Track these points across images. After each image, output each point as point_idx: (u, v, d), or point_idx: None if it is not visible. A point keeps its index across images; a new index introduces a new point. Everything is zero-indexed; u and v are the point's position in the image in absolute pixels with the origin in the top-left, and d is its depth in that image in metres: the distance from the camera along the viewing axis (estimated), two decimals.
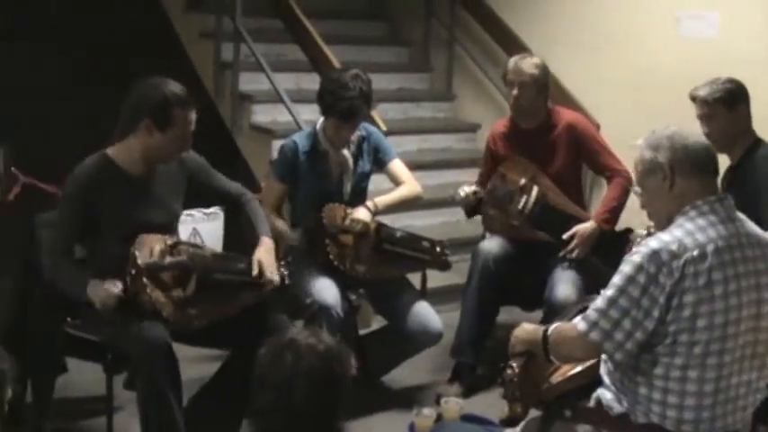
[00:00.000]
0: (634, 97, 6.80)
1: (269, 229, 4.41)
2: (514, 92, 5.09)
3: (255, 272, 4.17)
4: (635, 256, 3.07)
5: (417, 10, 8.58)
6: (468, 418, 4.34)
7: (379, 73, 7.38)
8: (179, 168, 4.23)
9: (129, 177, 4.09)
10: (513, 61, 5.16)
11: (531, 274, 5.15)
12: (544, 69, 5.12)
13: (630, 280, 3.05)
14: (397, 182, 5.11)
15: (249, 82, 7.30)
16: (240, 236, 4.49)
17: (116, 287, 3.85)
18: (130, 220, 4.00)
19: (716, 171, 3.24)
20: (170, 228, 4.23)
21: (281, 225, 4.89)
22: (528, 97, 5.08)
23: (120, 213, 4.00)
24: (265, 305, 4.24)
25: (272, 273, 4.20)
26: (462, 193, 5.15)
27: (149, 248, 3.95)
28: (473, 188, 5.17)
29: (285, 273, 4.32)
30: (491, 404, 4.78)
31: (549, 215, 5.08)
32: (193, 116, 4.09)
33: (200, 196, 4.52)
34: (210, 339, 4.26)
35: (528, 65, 5.07)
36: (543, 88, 5.11)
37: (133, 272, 3.85)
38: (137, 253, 3.89)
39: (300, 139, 4.95)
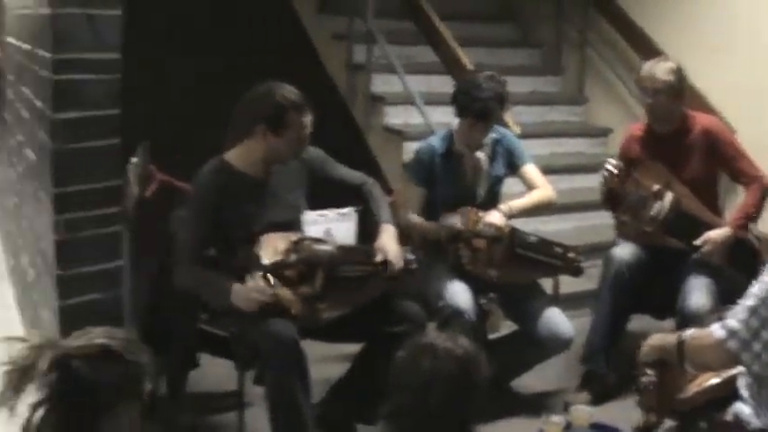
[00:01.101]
0: None
1: (390, 214, 4.45)
2: (649, 99, 5.02)
3: (379, 258, 4.20)
4: None
5: (549, 12, 8.53)
6: (597, 427, 4.28)
7: (511, 76, 7.34)
8: (299, 164, 4.29)
9: (249, 180, 4.17)
10: (647, 67, 5.06)
11: (663, 282, 5.06)
12: (679, 74, 5.01)
13: None
14: (530, 186, 5.09)
15: (381, 84, 7.34)
16: (373, 235, 4.51)
17: (263, 295, 3.90)
18: (254, 221, 4.07)
19: None
20: (294, 224, 4.27)
21: (419, 221, 4.91)
22: (663, 104, 4.99)
23: (243, 216, 4.07)
24: (393, 294, 4.26)
25: (397, 258, 4.22)
26: (610, 169, 5.04)
27: (273, 247, 4.00)
28: (617, 165, 5.06)
29: (411, 258, 4.33)
30: (621, 412, 4.69)
31: (682, 222, 4.99)
32: (309, 119, 4.15)
33: (322, 188, 4.55)
34: (340, 333, 4.29)
35: (663, 71, 4.97)
36: (679, 94, 5.01)
37: (259, 273, 3.91)
38: (261, 253, 3.95)
39: (436, 142, 4.98)
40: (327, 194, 4.51)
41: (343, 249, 4.27)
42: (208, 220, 4.10)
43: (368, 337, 4.30)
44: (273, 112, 4.07)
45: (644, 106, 5.17)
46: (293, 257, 4.04)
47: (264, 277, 3.95)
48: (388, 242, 4.29)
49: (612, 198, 5.14)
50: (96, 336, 2.26)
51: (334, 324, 4.12)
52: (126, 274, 4.44)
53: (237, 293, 3.97)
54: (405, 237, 4.54)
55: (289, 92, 4.13)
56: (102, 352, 2.23)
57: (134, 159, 4.82)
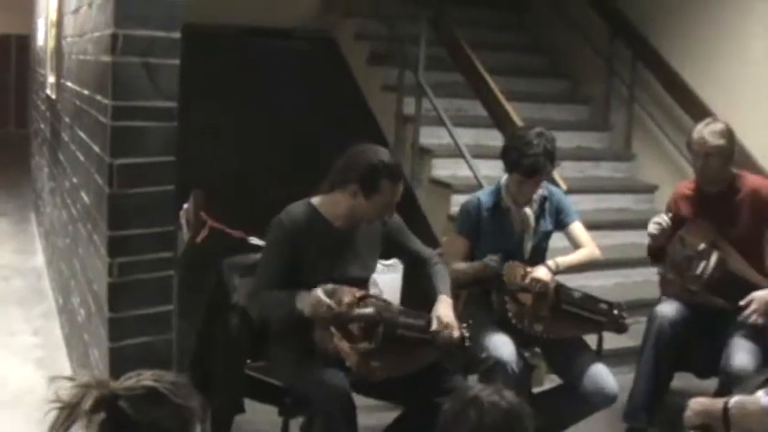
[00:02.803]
0: None
1: (450, 291, 4.46)
2: (700, 161, 5.03)
3: (435, 327, 4.22)
4: None
5: (599, 68, 8.58)
6: None
7: (559, 131, 7.38)
8: (380, 225, 4.34)
9: (333, 229, 4.22)
10: (697, 130, 5.05)
11: (707, 341, 5.05)
12: (730, 137, 5.02)
13: None
14: (576, 244, 5.10)
15: (429, 136, 7.40)
16: (418, 289, 4.55)
17: (325, 295, 3.96)
18: (330, 271, 4.10)
19: None
20: (364, 283, 4.33)
21: (463, 264, 4.95)
22: (713, 167, 5.01)
23: (321, 262, 4.10)
24: (443, 365, 4.30)
25: (453, 328, 4.24)
26: (659, 222, 5.10)
27: (339, 299, 4.05)
28: (667, 221, 5.11)
29: (466, 335, 4.37)
30: None
31: (728, 281, 4.98)
32: (400, 188, 4.19)
33: (394, 254, 4.61)
34: (387, 393, 4.34)
35: (713, 133, 4.97)
36: (729, 156, 5.02)
37: (323, 320, 3.96)
38: (328, 301, 3.99)
39: (484, 196, 5.01)
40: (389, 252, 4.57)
41: (404, 313, 4.30)
42: (288, 256, 4.14)
43: (410, 403, 4.33)
44: (369, 174, 4.10)
45: (693, 168, 5.18)
46: (356, 312, 4.09)
47: (326, 327, 4.00)
48: (445, 312, 4.30)
49: (659, 253, 5.16)
50: (145, 378, 2.29)
51: (383, 383, 4.15)
52: (175, 318, 4.50)
53: (303, 298, 4.00)
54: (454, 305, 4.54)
55: (387, 158, 4.18)
56: (150, 394, 2.26)
57: (186, 205, 4.89)
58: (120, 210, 4.00)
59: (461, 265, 4.95)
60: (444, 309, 4.31)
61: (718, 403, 3.33)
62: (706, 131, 5.00)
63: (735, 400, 3.29)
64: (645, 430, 5.13)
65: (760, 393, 3.16)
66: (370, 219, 4.23)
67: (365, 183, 4.10)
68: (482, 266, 4.88)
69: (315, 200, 4.26)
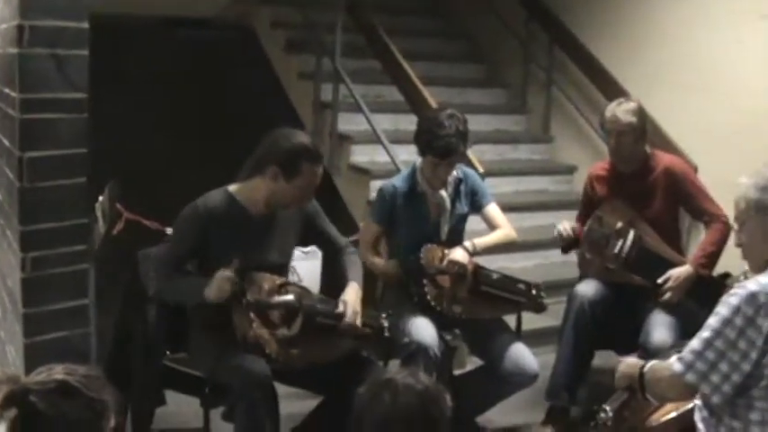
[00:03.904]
0: (733, 141, 6.72)
1: (361, 278, 4.48)
2: (612, 139, 5.10)
3: (340, 309, 4.24)
4: (732, 298, 3.05)
5: (516, 52, 8.62)
6: None
7: (477, 114, 7.43)
8: (298, 212, 4.33)
9: (250, 216, 4.20)
10: (610, 109, 5.12)
11: (626, 318, 5.12)
12: (641, 115, 5.09)
13: (727, 322, 3.03)
14: (492, 226, 5.12)
15: (348, 122, 7.39)
16: (337, 277, 4.55)
17: (232, 284, 3.93)
18: (246, 258, 4.07)
19: None
20: (283, 269, 4.34)
21: (378, 260, 4.97)
22: (626, 144, 5.07)
23: (236, 249, 4.08)
24: (363, 354, 4.31)
25: (356, 313, 4.26)
26: (560, 231, 5.17)
27: (258, 286, 4.04)
28: (571, 225, 5.18)
29: (385, 325, 4.38)
30: None
31: (645, 259, 5.04)
32: (320, 171, 4.20)
33: (308, 240, 4.61)
34: (306, 382, 4.35)
35: (625, 112, 5.04)
36: (641, 134, 5.09)
37: (242, 306, 3.95)
38: (246, 289, 3.97)
39: (399, 182, 5.01)
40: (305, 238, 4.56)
41: (324, 301, 4.31)
42: (197, 238, 4.13)
43: (330, 392, 4.33)
44: (289, 157, 4.10)
45: (607, 146, 5.24)
46: (276, 299, 4.08)
47: (246, 313, 3.98)
48: (351, 297, 4.33)
49: (570, 246, 5.24)
50: (57, 372, 2.28)
51: (303, 372, 4.17)
52: (93, 311, 4.45)
53: (209, 285, 3.99)
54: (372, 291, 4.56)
55: (307, 141, 4.20)
56: (61, 387, 2.24)
57: (101, 198, 4.85)
58: (32, 204, 3.93)
59: (378, 262, 4.97)
60: (351, 295, 4.33)
61: (637, 366, 3.37)
62: (618, 110, 5.06)
63: (650, 364, 3.33)
64: (567, 408, 5.17)
65: (672, 359, 3.20)
66: (291, 202, 4.22)
67: (286, 166, 4.09)
68: (396, 267, 4.91)
69: (232, 187, 4.24)
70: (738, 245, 3.31)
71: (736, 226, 3.30)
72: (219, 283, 3.94)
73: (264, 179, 4.15)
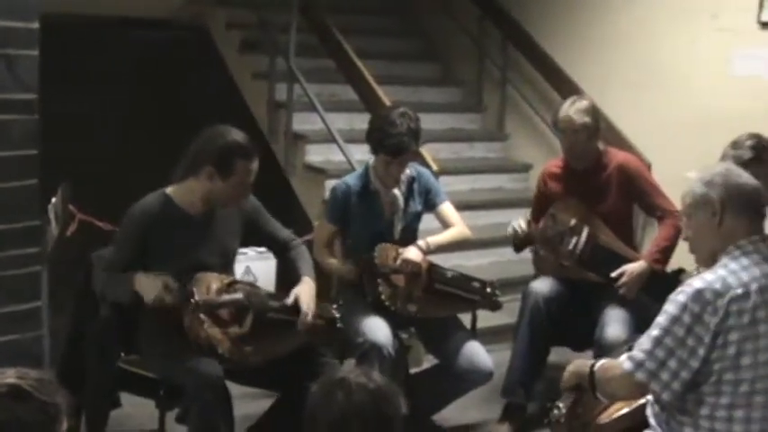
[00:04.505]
0: (686, 137, 6.78)
1: (312, 272, 4.48)
2: (565, 138, 5.12)
3: (290, 301, 4.24)
4: (679, 296, 3.08)
5: (470, 51, 8.63)
6: None
7: (432, 113, 7.45)
8: (237, 210, 4.31)
9: (188, 217, 4.18)
10: (563, 109, 5.13)
11: (581, 315, 5.14)
12: (594, 113, 5.11)
13: (675, 320, 3.05)
14: (446, 224, 5.12)
15: (303, 122, 7.37)
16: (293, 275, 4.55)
17: (167, 289, 3.92)
18: (186, 260, 4.07)
19: (764, 213, 3.24)
20: (226, 268, 4.31)
21: (333, 261, 4.96)
22: (579, 143, 5.09)
23: (175, 252, 4.07)
24: (316, 348, 4.30)
25: (309, 306, 4.25)
26: (513, 229, 5.19)
27: (206, 286, 4.03)
28: (524, 224, 5.20)
29: (337, 316, 4.38)
30: None
31: (599, 256, 5.07)
32: (255, 166, 4.17)
33: (251, 238, 4.59)
34: (261, 380, 4.34)
35: (578, 111, 5.05)
36: (594, 132, 5.11)
37: (191, 307, 3.93)
38: (194, 289, 3.96)
39: (352, 180, 5.00)
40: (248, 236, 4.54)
41: (273, 297, 4.31)
42: (138, 243, 4.11)
43: (284, 389, 4.33)
44: (222, 155, 4.08)
45: (561, 144, 5.26)
46: (225, 297, 4.07)
47: (195, 313, 3.97)
48: (303, 290, 4.32)
49: (522, 244, 5.25)
50: (8, 376, 2.27)
51: (257, 370, 4.16)
52: (46, 313, 4.42)
53: (140, 280, 3.98)
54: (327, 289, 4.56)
55: (240, 138, 4.16)
56: (13, 391, 2.23)
57: (54, 199, 4.81)
58: None
59: (333, 263, 4.97)
60: (303, 287, 4.34)
61: (587, 366, 3.38)
62: (571, 110, 5.07)
63: (600, 363, 3.35)
64: (523, 405, 5.19)
65: (623, 357, 3.22)
66: (229, 201, 4.21)
67: (220, 165, 4.08)
68: (351, 273, 4.91)
69: (169, 189, 4.22)
70: (685, 239, 3.34)
71: (684, 220, 3.32)
72: (146, 283, 3.94)
73: (200, 179, 4.13)
